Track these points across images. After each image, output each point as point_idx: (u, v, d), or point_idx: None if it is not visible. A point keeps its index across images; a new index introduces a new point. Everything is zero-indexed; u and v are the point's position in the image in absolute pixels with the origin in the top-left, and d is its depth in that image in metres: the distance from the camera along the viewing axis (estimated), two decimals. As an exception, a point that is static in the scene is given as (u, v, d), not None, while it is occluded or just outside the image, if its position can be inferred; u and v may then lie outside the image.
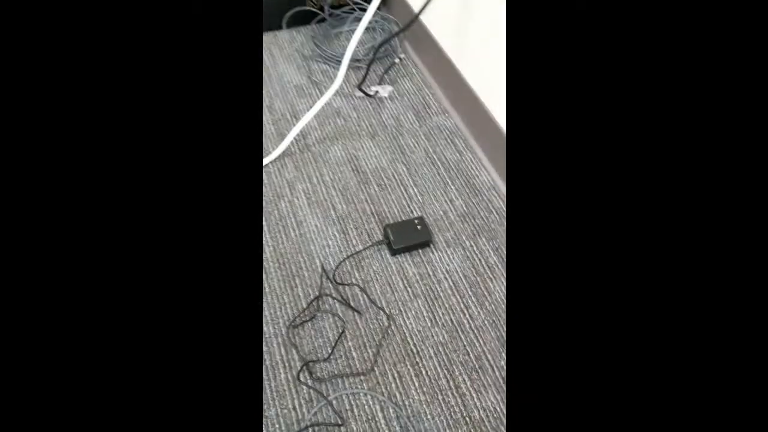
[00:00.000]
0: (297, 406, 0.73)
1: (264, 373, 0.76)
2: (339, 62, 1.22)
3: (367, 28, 1.33)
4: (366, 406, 0.74)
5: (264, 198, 0.97)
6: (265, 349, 0.78)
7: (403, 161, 1.07)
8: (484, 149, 1.07)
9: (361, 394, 0.75)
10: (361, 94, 1.19)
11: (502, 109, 1.00)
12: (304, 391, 0.75)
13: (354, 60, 1.24)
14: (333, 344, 0.80)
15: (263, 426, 0.71)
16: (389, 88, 1.21)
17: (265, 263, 0.88)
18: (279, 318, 0.82)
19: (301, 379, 0.76)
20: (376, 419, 0.73)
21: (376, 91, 1.19)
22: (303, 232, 0.93)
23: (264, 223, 0.94)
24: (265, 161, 1.03)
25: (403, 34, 1.31)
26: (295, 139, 1.08)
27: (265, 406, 0.73)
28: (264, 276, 0.87)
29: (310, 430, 0.71)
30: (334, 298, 0.85)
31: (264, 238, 0.92)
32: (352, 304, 0.85)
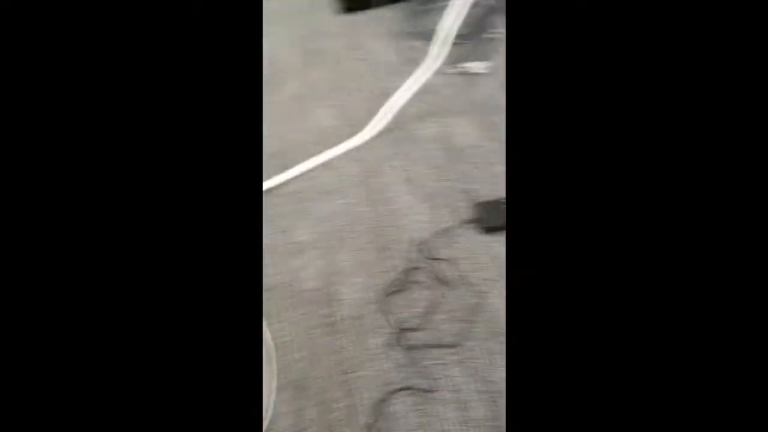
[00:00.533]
0: (388, 370, 0.77)
1: (356, 337, 0.80)
2: (430, 38, 1.21)
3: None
4: (455, 377, 0.76)
5: (358, 175, 1.01)
6: (360, 313, 0.83)
7: (497, 138, 1.05)
8: (584, 126, 1.02)
9: (450, 365, 0.77)
10: (455, 71, 1.18)
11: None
12: (396, 356, 0.78)
13: (447, 35, 1.23)
14: (424, 315, 0.82)
15: (356, 387, 0.76)
16: (484, 63, 1.18)
17: (360, 235, 0.92)
18: (371, 287, 0.86)
19: (393, 344, 0.79)
20: (465, 390, 0.74)
21: (470, 67, 1.17)
22: (396, 208, 0.96)
23: (362, 197, 0.98)
24: (359, 141, 1.07)
25: (498, 6, 1.27)
26: (388, 117, 1.10)
27: (357, 369, 0.77)
28: (361, 245, 0.91)
29: (402, 392, 0.74)
30: (426, 272, 0.87)
31: (360, 211, 0.96)
32: (443, 278, 0.86)
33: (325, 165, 1.03)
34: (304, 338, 0.81)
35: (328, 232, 0.94)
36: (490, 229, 0.90)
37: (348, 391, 0.76)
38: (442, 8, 1.33)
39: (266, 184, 0.99)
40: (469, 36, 1.16)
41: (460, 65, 1.17)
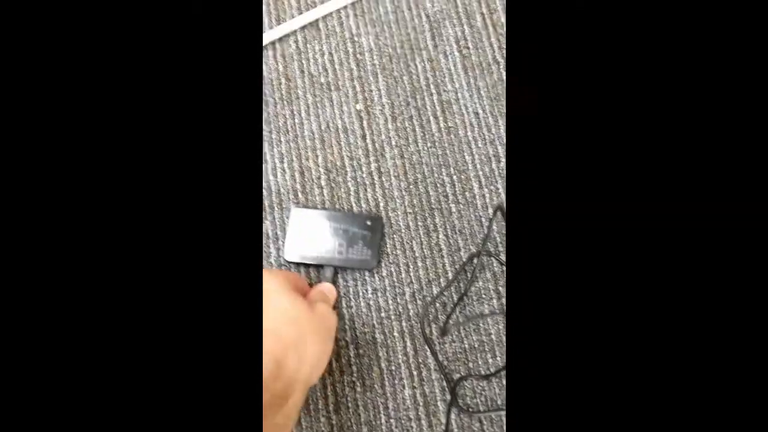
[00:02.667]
0: (430, 447, 0.44)
1: (379, 383, 0.46)
2: None
3: None
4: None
5: (393, 51, 0.54)
6: (380, 339, 0.47)
7: None
8: None
9: (541, 449, 0.44)
10: None
11: None
12: (444, 422, 0.45)
13: None
14: (498, 349, 0.46)
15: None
16: None
17: (388, 179, 0.50)
18: (405, 287, 0.48)
19: (443, 409, 0.45)
20: None
21: None
22: (452, 125, 0.52)
23: (387, 102, 0.53)
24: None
25: None
26: None
27: (379, 443, 0.45)
28: (384, 205, 0.50)
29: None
30: (502, 264, 0.48)
31: (388, 135, 0.52)
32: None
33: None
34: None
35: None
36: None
37: None
38: None
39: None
40: None
41: None
